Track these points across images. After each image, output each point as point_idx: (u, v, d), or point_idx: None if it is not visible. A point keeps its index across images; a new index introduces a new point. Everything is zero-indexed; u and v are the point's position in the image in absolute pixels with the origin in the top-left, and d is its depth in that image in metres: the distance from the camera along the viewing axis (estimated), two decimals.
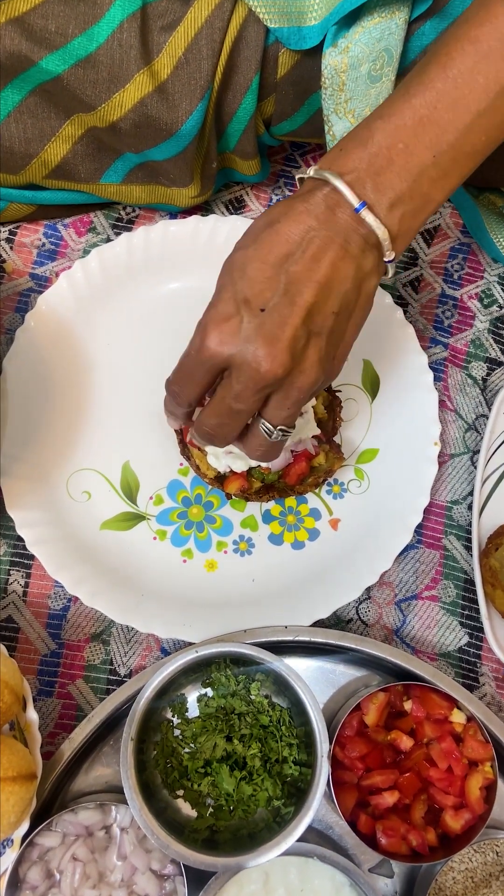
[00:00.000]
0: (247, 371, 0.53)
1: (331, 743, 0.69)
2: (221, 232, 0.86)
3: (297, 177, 0.58)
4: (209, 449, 0.76)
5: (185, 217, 0.86)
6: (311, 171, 0.54)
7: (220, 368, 0.55)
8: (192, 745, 0.73)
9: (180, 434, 0.79)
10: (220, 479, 0.77)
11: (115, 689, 0.74)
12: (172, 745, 0.73)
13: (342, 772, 0.70)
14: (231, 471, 0.76)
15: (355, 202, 0.53)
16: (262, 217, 0.55)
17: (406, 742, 0.70)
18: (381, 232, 0.54)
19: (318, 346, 0.54)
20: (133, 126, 0.73)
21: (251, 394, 0.54)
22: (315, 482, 0.78)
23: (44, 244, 0.87)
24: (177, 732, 0.74)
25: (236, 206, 0.92)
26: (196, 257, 0.86)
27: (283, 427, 0.58)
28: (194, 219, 0.86)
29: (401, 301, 0.89)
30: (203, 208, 0.91)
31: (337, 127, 0.74)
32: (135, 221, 0.89)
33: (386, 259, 0.56)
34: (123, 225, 0.89)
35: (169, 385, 0.62)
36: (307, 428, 0.76)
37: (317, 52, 0.72)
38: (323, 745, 0.68)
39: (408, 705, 0.72)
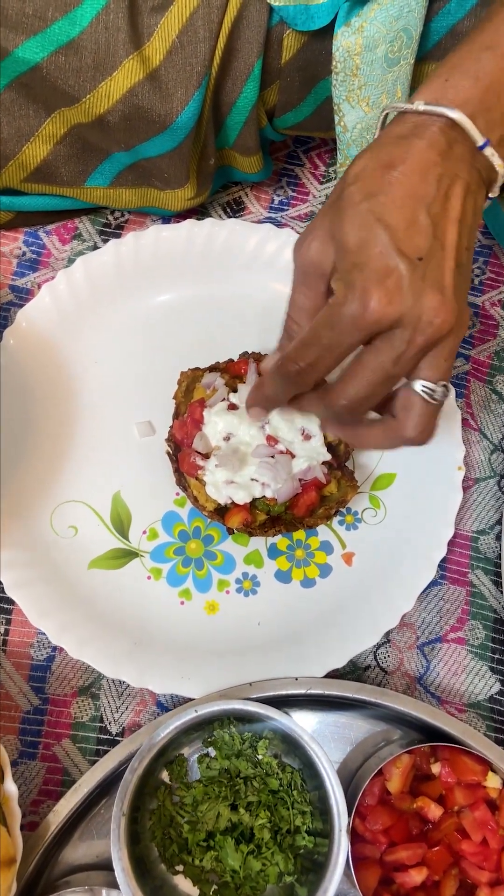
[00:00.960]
0: (421, 327, 0.48)
1: (350, 814, 0.61)
2: (219, 237, 0.78)
3: (397, 110, 0.51)
4: (208, 478, 0.68)
5: (178, 221, 0.78)
6: (419, 105, 0.49)
7: (378, 332, 0.49)
8: (192, 815, 0.65)
9: (175, 462, 0.71)
10: (221, 512, 0.69)
11: (105, 750, 0.66)
12: (170, 813, 0.65)
13: (363, 846, 0.62)
14: (232, 502, 0.68)
15: (480, 139, 0.50)
16: (370, 160, 0.49)
17: (434, 811, 0.62)
18: (501, 170, 0.51)
19: (465, 287, 0.51)
20: (122, 119, 0.66)
21: (418, 352, 0.50)
22: (326, 513, 0.70)
23: (24, 253, 0.79)
24: (175, 799, 0.66)
25: (234, 209, 0.84)
26: (191, 265, 0.78)
27: (446, 383, 0.53)
28: (189, 223, 0.78)
29: None
30: (198, 212, 0.83)
31: (349, 116, 0.67)
32: (124, 227, 0.82)
33: (491, 195, 0.53)
34: (112, 231, 0.81)
35: (292, 364, 0.54)
36: (316, 453, 0.68)
37: (325, 33, 0.65)
38: (341, 817, 0.60)
39: (435, 768, 0.63)
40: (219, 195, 0.84)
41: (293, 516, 0.70)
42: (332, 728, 0.69)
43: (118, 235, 0.81)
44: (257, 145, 0.73)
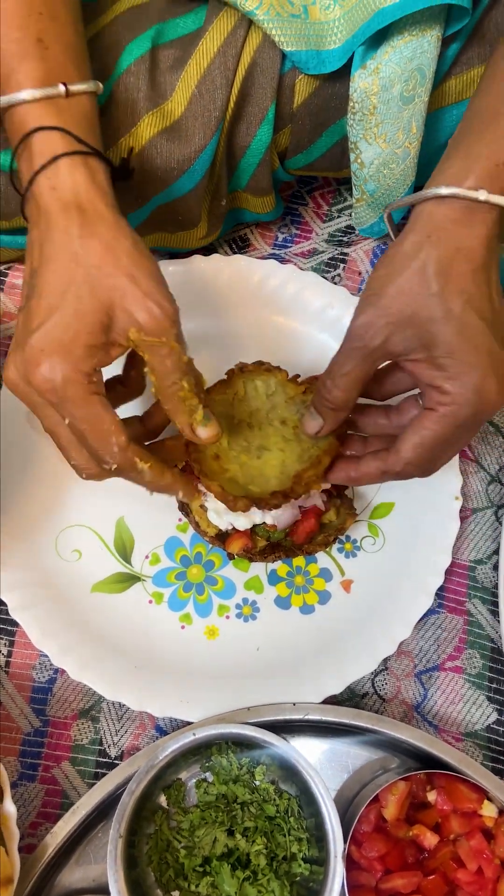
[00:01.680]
0: None
1: (346, 840, 0.61)
2: (224, 273, 0.81)
3: (458, 196, 0.53)
4: (210, 504, 0.69)
5: (184, 257, 0.81)
6: (482, 194, 0.52)
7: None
8: (189, 840, 0.65)
9: None
10: (222, 538, 0.71)
11: (104, 773, 0.66)
12: (167, 838, 0.65)
13: (359, 873, 0.62)
14: (234, 528, 0.70)
15: None
16: (444, 249, 0.53)
17: (430, 839, 0.62)
18: None
19: None
20: (140, 170, 0.68)
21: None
22: (325, 541, 0.71)
23: None
24: (173, 823, 0.66)
25: (240, 245, 0.87)
26: (197, 300, 0.81)
27: None
28: (196, 258, 0.81)
29: None
30: (205, 248, 0.86)
31: (366, 154, 0.69)
32: None
33: None
34: None
35: (405, 466, 0.60)
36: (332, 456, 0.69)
37: (336, 77, 0.68)
38: (337, 844, 0.60)
39: (431, 796, 0.64)
40: (226, 233, 0.87)
41: (293, 543, 0.71)
42: (329, 755, 0.69)
43: None
44: (270, 186, 0.76)
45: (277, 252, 0.87)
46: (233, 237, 0.87)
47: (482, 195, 0.52)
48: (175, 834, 0.65)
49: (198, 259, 0.81)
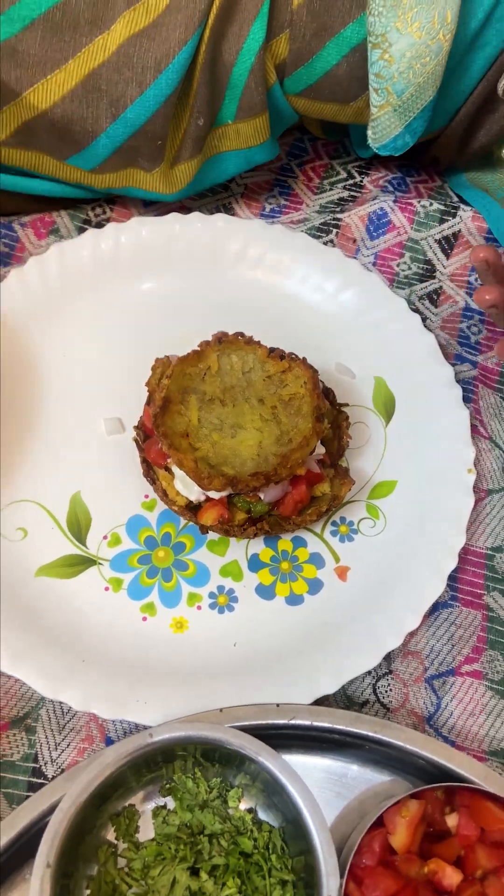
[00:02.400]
0: None
1: (342, 876, 0.47)
2: (204, 232, 0.73)
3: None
4: (175, 471, 0.59)
5: (161, 208, 0.73)
6: None
7: None
8: (142, 882, 0.50)
9: (143, 451, 0.62)
10: (194, 509, 0.60)
11: None
12: (114, 880, 0.51)
13: None
14: (206, 497, 0.59)
15: None
16: None
17: (451, 876, 0.48)
18: None
19: None
20: (115, 71, 0.62)
21: None
22: (317, 512, 0.60)
23: None
24: (121, 862, 0.52)
25: (223, 211, 0.80)
26: (175, 256, 0.73)
27: None
28: (173, 216, 0.73)
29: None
30: (185, 208, 0.78)
31: (397, 46, 0.61)
32: (104, 225, 0.77)
33: None
34: (92, 228, 0.76)
35: None
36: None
37: None
38: (330, 880, 0.46)
39: (451, 820, 0.50)
40: (206, 200, 0.80)
41: (279, 515, 0.60)
42: (323, 776, 0.55)
43: None
44: (264, 104, 0.67)
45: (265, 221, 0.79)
46: (215, 206, 0.80)
47: None
48: (124, 875, 0.51)
49: (175, 216, 0.73)
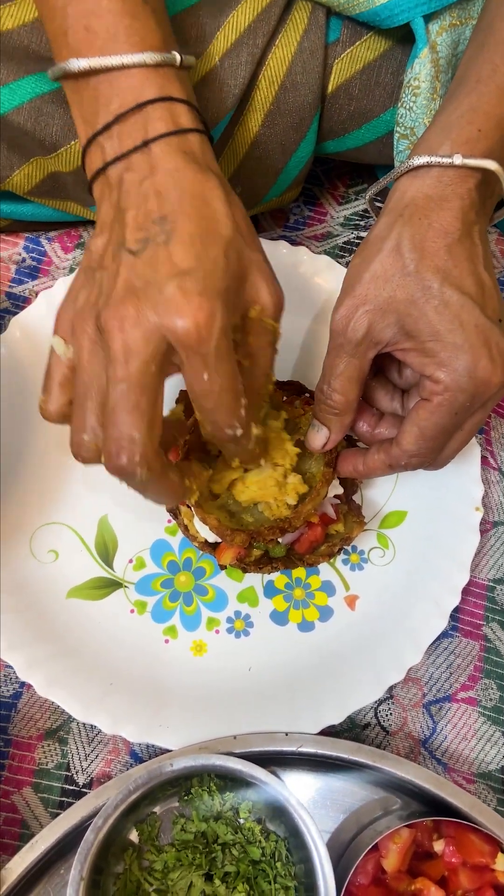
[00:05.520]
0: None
1: (339, 893, 0.53)
2: None
3: (415, 163, 0.49)
4: (196, 511, 0.62)
5: None
6: (457, 159, 0.48)
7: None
8: (162, 883, 0.57)
9: None
10: (214, 544, 0.63)
11: (70, 802, 0.59)
12: (138, 879, 0.58)
13: None
14: None
15: None
16: (417, 229, 0.49)
17: (435, 894, 0.55)
18: None
19: None
20: None
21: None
22: (329, 551, 0.64)
23: (24, 260, 0.76)
24: (145, 863, 0.59)
25: None
26: None
27: None
28: None
29: None
30: None
31: None
32: None
33: None
34: None
35: (412, 458, 0.54)
36: (329, 485, 0.62)
37: (381, 66, 0.63)
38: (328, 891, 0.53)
39: (438, 846, 0.56)
40: None
41: (293, 553, 0.64)
42: (325, 792, 0.61)
43: None
44: (303, 178, 0.71)
45: (288, 234, 0.80)
46: None
47: (457, 160, 0.48)
48: (146, 875, 0.58)
49: None
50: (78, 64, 0.46)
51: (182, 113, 0.47)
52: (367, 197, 0.58)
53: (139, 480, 0.43)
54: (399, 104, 0.61)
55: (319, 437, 0.57)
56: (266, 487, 0.60)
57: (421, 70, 0.59)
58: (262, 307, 0.46)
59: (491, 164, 0.48)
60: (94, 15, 0.46)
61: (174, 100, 0.47)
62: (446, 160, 0.48)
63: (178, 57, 0.47)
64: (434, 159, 0.48)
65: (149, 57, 0.46)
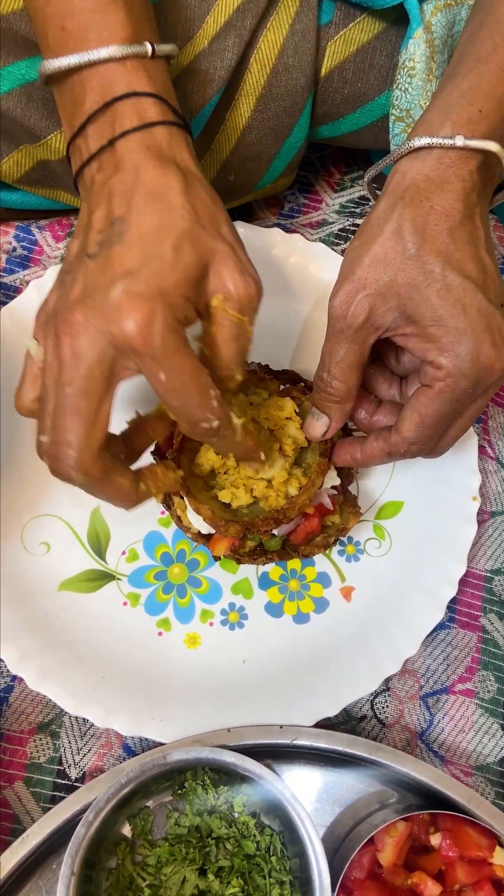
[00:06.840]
0: None
1: (334, 888, 0.53)
2: None
3: (415, 144, 0.48)
4: (189, 501, 0.61)
5: None
6: (459, 140, 0.47)
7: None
8: (155, 878, 0.57)
9: None
10: (207, 535, 0.63)
11: (62, 797, 0.58)
12: (131, 873, 0.57)
13: None
14: None
15: None
16: (419, 211, 0.48)
17: (432, 889, 0.54)
18: None
19: None
20: None
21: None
22: (325, 542, 0.63)
23: (14, 248, 0.74)
24: (137, 858, 0.58)
25: (242, 214, 0.79)
26: None
27: None
28: None
29: None
30: None
31: None
32: None
33: None
34: None
35: (411, 446, 0.53)
36: (325, 476, 0.61)
37: (374, 49, 0.61)
38: (324, 892, 0.52)
39: (435, 840, 0.55)
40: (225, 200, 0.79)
41: (289, 543, 0.63)
42: (320, 785, 0.61)
43: None
44: (297, 165, 0.70)
45: (283, 222, 0.79)
46: (235, 206, 0.79)
47: (459, 141, 0.47)
48: (139, 870, 0.57)
49: None
50: (51, 65, 0.46)
51: (149, 107, 0.46)
52: (366, 179, 0.57)
53: (77, 484, 0.44)
54: (394, 86, 0.60)
55: (319, 426, 0.56)
56: (278, 480, 0.59)
57: (416, 50, 0.58)
58: (225, 297, 0.45)
59: (493, 146, 0.48)
60: (68, 14, 0.46)
61: (140, 94, 0.46)
62: (448, 141, 0.47)
63: (148, 47, 0.46)
64: (435, 140, 0.47)
65: (115, 51, 0.45)
